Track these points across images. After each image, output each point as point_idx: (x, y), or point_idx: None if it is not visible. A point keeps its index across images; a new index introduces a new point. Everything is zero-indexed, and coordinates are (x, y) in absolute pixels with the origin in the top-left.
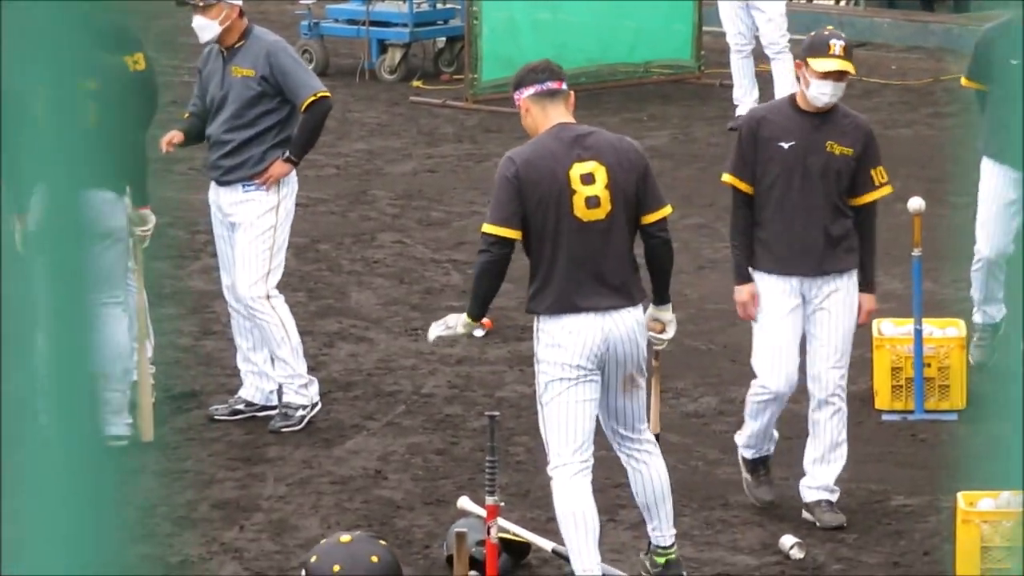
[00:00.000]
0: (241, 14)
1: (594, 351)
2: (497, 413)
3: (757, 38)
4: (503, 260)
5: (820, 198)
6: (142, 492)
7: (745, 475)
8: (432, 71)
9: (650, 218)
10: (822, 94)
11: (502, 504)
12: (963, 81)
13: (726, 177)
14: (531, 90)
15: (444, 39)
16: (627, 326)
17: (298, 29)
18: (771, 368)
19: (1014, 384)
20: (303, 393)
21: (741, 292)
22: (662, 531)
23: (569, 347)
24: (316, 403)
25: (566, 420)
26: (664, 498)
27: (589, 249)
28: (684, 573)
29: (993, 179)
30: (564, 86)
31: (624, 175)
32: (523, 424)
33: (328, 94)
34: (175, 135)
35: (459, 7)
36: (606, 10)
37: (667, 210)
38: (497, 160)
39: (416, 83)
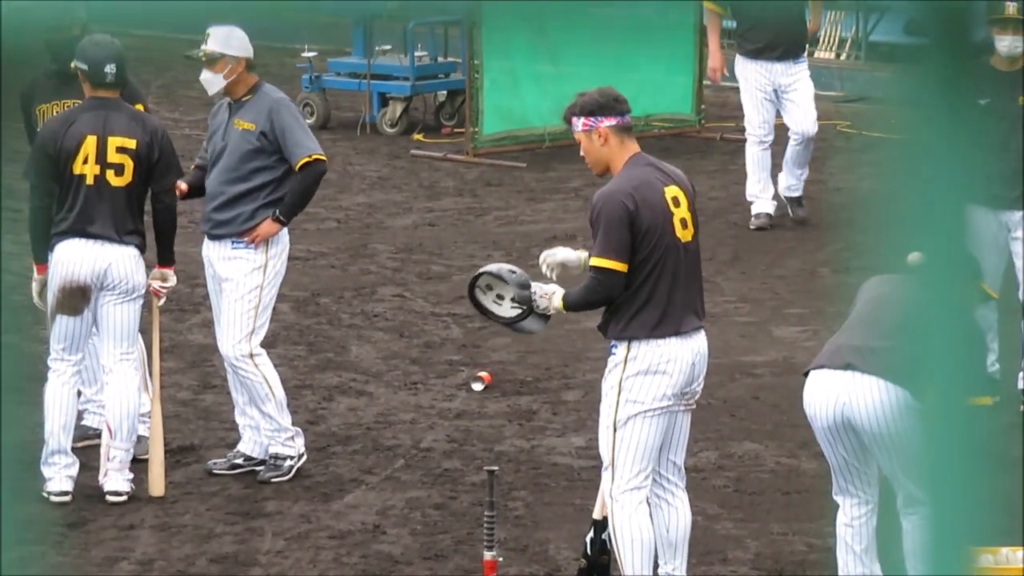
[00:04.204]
0: (249, 67)
1: (687, 378)
2: (496, 467)
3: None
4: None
5: None
6: (140, 546)
7: None
8: (433, 124)
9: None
10: None
11: (500, 559)
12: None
13: None
14: (613, 121)
15: (445, 92)
16: (704, 346)
17: (299, 82)
18: None
19: None
20: (290, 445)
21: None
22: (682, 571)
23: (668, 375)
24: (302, 454)
25: (646, 444)
26: (688, 535)
27: (685, 269)
28: None
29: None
30: None
31: (692, 200)
32: (522, 479)
33: (324, 157)
34: (179, 185)
35: (460, 61)
36: (607, 62)
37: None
38: (497, 214)
39: (417, 136)
